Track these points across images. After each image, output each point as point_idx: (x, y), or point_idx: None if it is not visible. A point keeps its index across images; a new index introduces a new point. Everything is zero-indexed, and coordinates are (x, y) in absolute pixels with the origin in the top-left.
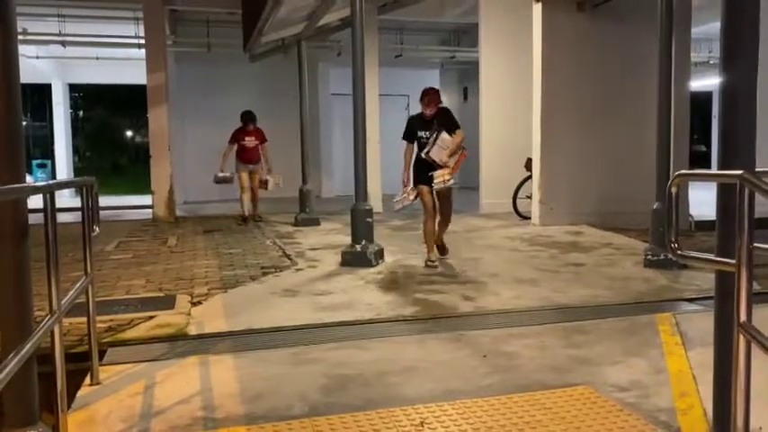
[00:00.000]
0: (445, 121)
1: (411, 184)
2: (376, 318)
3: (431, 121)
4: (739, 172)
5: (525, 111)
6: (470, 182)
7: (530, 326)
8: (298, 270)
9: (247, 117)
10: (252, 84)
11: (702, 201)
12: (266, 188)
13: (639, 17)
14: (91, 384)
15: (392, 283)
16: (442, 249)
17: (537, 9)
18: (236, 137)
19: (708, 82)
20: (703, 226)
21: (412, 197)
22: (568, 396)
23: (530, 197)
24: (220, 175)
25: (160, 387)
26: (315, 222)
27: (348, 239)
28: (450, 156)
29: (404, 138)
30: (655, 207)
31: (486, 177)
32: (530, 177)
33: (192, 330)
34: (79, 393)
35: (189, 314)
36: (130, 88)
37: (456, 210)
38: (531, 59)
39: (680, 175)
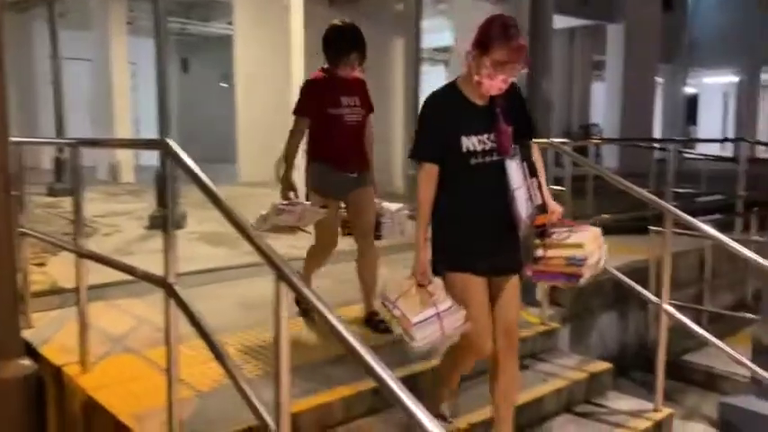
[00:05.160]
0: (516, 109)
1: (431, 275)
2: (237, 264)
3: (492, 108)
4: (549, 140)
5: (282, 87)
6: (222, 155)
7: None
8: (107, 235)
9: (349, 44)
10: None
11: None
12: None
13: (381, 15)
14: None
15: (213, 240)
16: None
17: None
18: (317, 98)
19: None
20: None
21: (454, 316)
22: None
23: None
24: (283, 205)
25: (105, 321)
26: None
27: (121, 206)
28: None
29: (419, 155)
30: (412, 173)
31: (243, 150)
32: None
33: (67, 284)
34: (25, 335)
35: (45, 273)
36: None
37: (216, 179)
38: (286, 37)
39: None
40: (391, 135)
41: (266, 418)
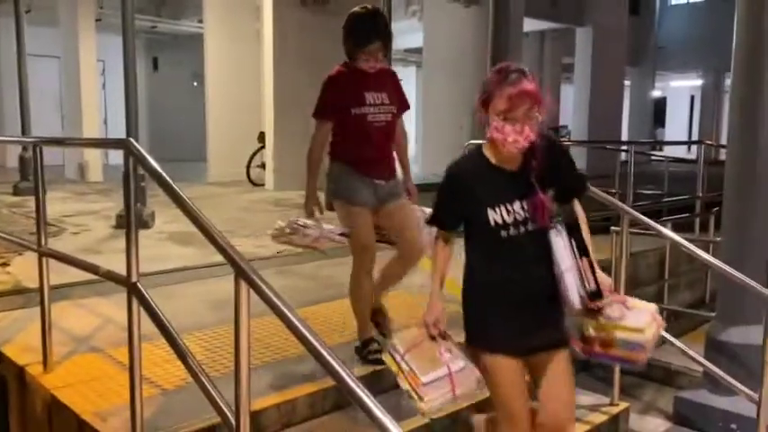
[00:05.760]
0: (557, 168)
1: (444, 326)
2: (206, 263)
3: (524, 172)
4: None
5: (253, 86)
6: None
7: (334, 258)
8: (75, 234)
9: (370, 32)
10: None
11: None
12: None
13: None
14: None
15: (182, 240)
16: None
17: (267, 1)
18: (338, 96)
19: None
20: None
21: (468, 378)
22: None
23: (261, 166)
24: (298, 225)
25: (70, 320)
26: None
27: (89, 206)
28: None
29: (433, 221)
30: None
31: (213, 150)
32: (262, 148)
33: (31, 284)
34: None
35: (9, 273)
36: None
37: (185, 179)
38: (256, 35)
39: (469, 144)
40: None
41: (227, 415)
